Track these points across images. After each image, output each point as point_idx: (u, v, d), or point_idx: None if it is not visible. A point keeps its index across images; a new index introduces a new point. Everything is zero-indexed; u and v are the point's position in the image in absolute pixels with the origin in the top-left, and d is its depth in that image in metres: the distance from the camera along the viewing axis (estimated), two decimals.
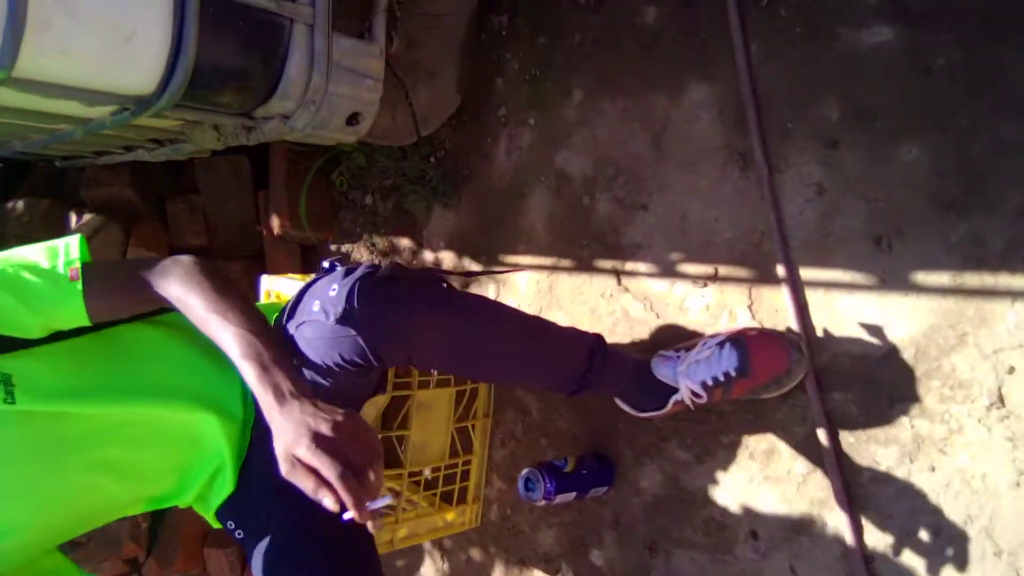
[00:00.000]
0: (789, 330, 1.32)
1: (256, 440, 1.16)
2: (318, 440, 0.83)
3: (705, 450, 1.44)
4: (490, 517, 1.83)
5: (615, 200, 1.57)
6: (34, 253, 1.01)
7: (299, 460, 0.83)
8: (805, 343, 1.29)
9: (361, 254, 2.11)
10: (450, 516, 1.79)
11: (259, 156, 2.17)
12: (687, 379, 1.29)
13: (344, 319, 1.00)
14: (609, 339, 1.56)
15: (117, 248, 2.11)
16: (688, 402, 1.31)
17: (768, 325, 1.36)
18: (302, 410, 0.87)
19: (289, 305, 1.09)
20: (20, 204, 2.18)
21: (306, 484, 0.83)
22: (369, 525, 0.84)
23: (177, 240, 2.20)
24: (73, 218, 2.10)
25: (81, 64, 1.27)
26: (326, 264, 1.14)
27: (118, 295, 1.04)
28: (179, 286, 1.01)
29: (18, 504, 0.97)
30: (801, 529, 1.33)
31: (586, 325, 1.61)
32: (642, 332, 1.53)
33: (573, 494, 1.51)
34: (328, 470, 0.81)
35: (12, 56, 1.16)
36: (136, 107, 1.39)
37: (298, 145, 2.03)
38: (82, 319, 1.00)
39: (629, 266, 1.55)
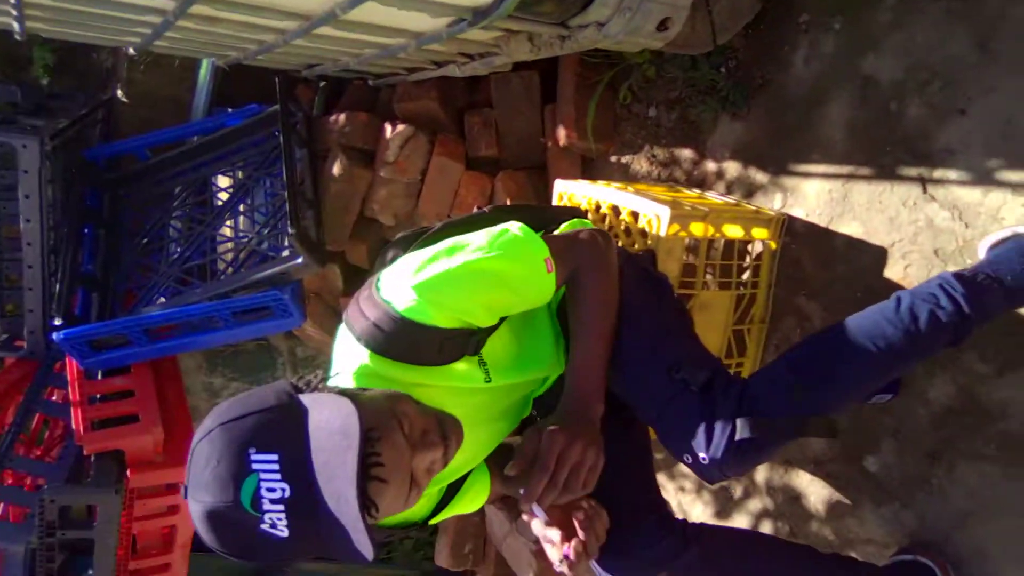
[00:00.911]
0: None
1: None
2: (565, 453, 1.09)
3: (1009, 363, 1.40)
4: None
5: (928, 105, 1.53)
6: (511, 249, 1.19)
7: (547, 445, 1.09)
8: None
9: (641, 165, 2.20)
10: None
11: (547, 73, 2.32)
12: None
13: (719, 479, 1.18)
14: (910, 248, 1.55)
15: (423, 156, 2.37)
16: None
17: None
18: (586, 430, 1.14)
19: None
20: (342, 117, 2.50)
21: (523, 456, 1.13)
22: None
23: (472, 150, 2.42)
24: (388, 128, 2.38)
25: None
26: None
27: (563, 278, 1.26)
28: (592, 305, 1.25)
29: (471, 452, 1.24)
30: None
31: (883, 234, 1.60)
32: (947, 243, 1.49)
33: None
34: (543, 469, 1.09)
35: None
36: (473, 17, 1.56)
37: (590, 57, 2.15)
38: (544, 303, 1.26)
39: (938, 173, 1.51)
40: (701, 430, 1.13)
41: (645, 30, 1.56)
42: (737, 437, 1.11)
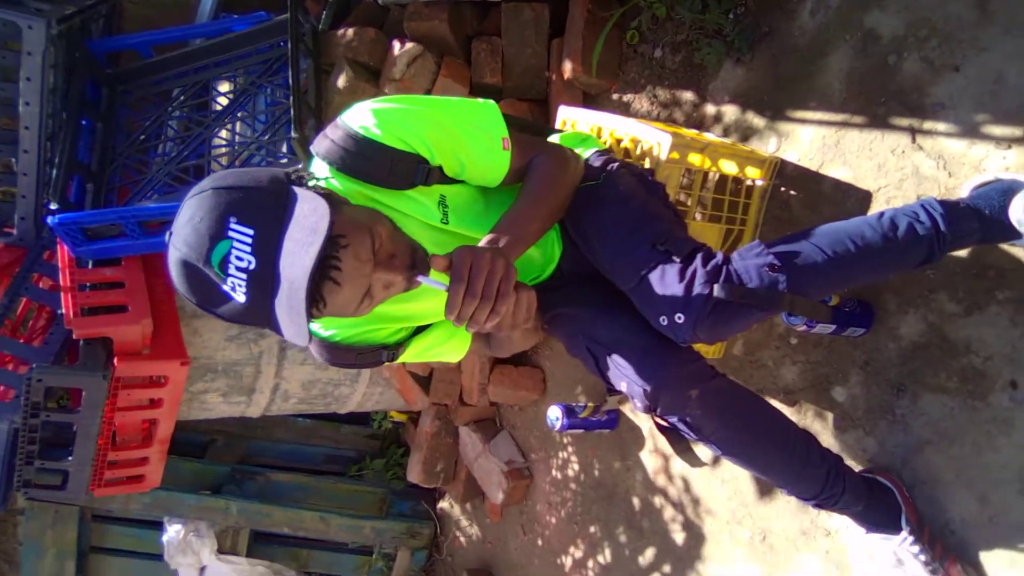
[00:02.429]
0: None
1: (563, 255, 1.50)
2: (475, 263, 1.06)
3: (976, 304, 1.53)
4: (733, 351, 2.01)
5: (924, 60, 1.62)
6: (471, 117, 1.29)
7: (457, 259, 1.07)
8: None
9: (642, 104, 2.28)
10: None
11: (557, 7, 2.37)
12: None
13: (691, 338, 1.25)
14: (894, 194, 1.65)
15: (429, 76, 2.42)
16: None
17: None
18: (492, 249, 1.12)
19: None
20: (350, 31, 2.53)
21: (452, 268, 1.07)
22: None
23: (477, 77, 2.47)
24: (396, 45, 2.41)
25: None
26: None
27: (519, 172, 1.34)
28: (537, 181, 1.32)
29: (438, 300, 1.25)
30: None
31: (870, 180, 1.71)
32: (930, 190, 1.60)
33: (832, 327, 1.65)
34: (457, 279, 1.05)
35: None
36: None
37: None
38: (496, 181, 1.32)
39: (928, 125, 1.62)
40: (680, 292, 1.23)
41: None
42: (713, 299, 1.21)
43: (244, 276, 0.97)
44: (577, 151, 1.53)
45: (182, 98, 2.72)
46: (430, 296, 1.31)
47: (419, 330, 1.44)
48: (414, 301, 1.32)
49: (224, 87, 2.71)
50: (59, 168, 2.46)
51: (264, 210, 0.99)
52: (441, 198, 1.30)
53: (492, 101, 1.33)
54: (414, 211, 1.27)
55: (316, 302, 1.02)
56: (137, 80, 2.76)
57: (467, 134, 1.27)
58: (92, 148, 2.66)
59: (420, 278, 1.11)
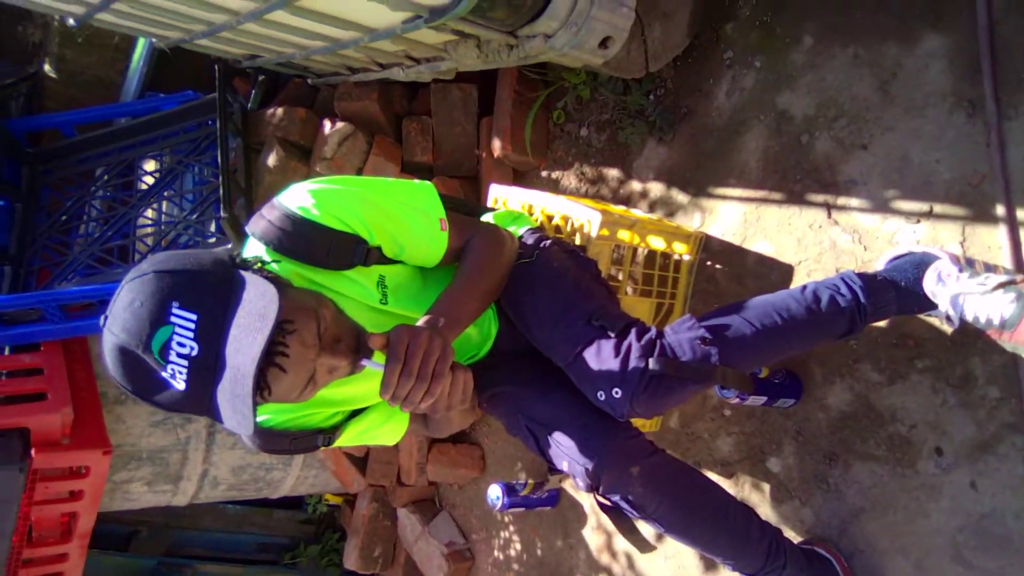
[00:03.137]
0: None
1: (500, 333, 1.50)
2: (412, 342, 1.05)
3: (899, 373, 1.56)
4: (669, 424, 2.01)
5: (835, 140, 1.69)
6: (409, 198, 1.29)
7: (393, 338, 1.06)
8: None
9: (570, 181, 2.31)
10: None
11: (484, 88, 2.41)
12: (953, 308, 1.35)
13: (629, 413, 1.25)
14: (814, 267, 1.70)
15: (360, 156, 2.42)
16: (942, 320, 1.41)
17: (979, 260, 1.46)
18: (429, 328, 1.10)
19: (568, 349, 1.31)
20: (280, 111, 2.52)
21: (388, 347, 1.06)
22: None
23: (408, 155, 2.48)
24: (327, 125, 2.41)
25: None
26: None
27: (456, 252, 1.34)
28: (474, 262, 1.32)
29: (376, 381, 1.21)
30: (988, 449, 1.43)
31: (790, 254, 1.75)
32: (848, 263, 1.65)
33: (764, 399, 1.66)
34: (394, 359, 1.04)
35: None
36: (430, 15, 1.63)
37: (530, 72, 2.26)
38: (434, 262, 1.32)
39: (841, 200, 1.67)
40: (616, 367, 1.23)
41: (588, 46, 1.68)
42: (649, 372, 1.21)
43: (185, 363, 0.93)
44: (511, 229, 1.54)
45: (106, 177, 2.67)
46: (369, 378, 1.27)
47: (355, 412, 1.40)
48: (353, 384, 1.28)
49: (150, 166, 2.67)
50: None
51: (208, 294, 0.96)
52: (380, 278, 1.29)
53: (429, 182, 1.33)
54: (353, 292, 1.26)
55: (260, 389, 0.99)
56: (59, 159, 2.70)
57: (405, 215, 1.27)
58: (10, 229, 2.58)
59: (364, 362, 1.08)
